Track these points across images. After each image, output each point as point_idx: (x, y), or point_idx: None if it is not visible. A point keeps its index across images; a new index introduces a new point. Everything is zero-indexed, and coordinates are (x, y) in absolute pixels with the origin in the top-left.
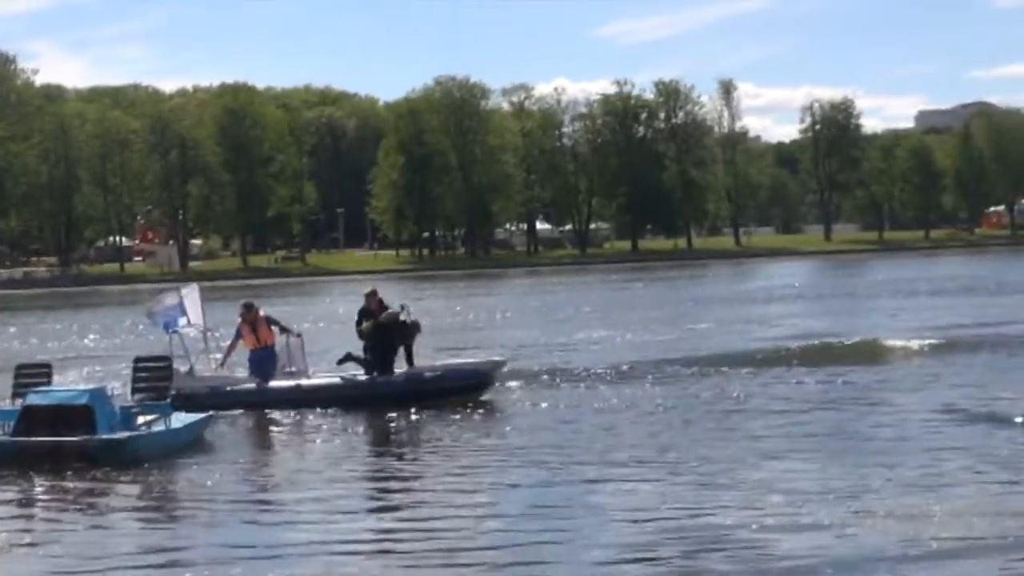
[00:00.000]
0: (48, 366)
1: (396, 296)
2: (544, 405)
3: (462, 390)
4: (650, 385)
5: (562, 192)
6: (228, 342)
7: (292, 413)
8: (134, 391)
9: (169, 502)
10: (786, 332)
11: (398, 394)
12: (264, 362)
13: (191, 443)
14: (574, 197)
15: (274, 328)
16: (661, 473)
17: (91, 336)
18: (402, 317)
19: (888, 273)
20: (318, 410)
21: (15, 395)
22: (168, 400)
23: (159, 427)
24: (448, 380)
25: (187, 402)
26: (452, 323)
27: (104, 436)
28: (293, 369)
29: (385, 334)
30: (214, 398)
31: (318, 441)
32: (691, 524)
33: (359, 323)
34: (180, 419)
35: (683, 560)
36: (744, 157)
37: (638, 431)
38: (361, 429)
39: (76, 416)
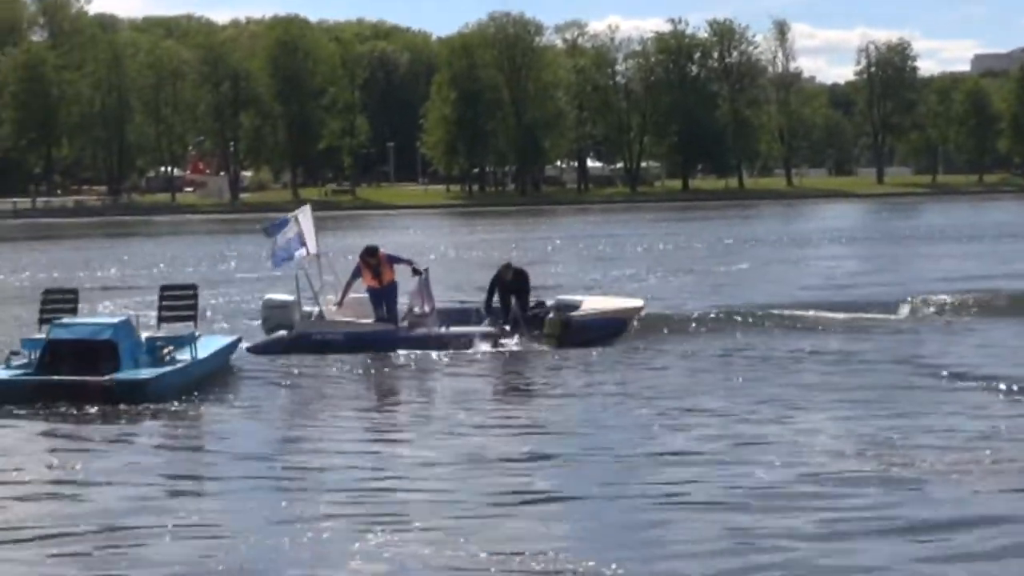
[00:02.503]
0: (75, 292)
1: (441, 230)
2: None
3: (603, 337)
4: (698, 334)
5: (614, 130)
6: (347, 277)
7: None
8: (161, 320)
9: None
10: (835, 282)
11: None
12: (388, 297)
13: (218, 370)
14: (626, 135)
15: (399, 266)
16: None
17: (136, 265)
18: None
19: (942, 218)
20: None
21: (41, 321)
22: (194, 329)
23: (184, 356)
24: (592, 330)
25: (320, 347)
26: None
27: (127, 376)
28: (426, 310)
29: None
30: (347, 344)
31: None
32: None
33: (491, 293)
34: (206, 345)
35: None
36: (798, 98)
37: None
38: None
39: (100, 351)
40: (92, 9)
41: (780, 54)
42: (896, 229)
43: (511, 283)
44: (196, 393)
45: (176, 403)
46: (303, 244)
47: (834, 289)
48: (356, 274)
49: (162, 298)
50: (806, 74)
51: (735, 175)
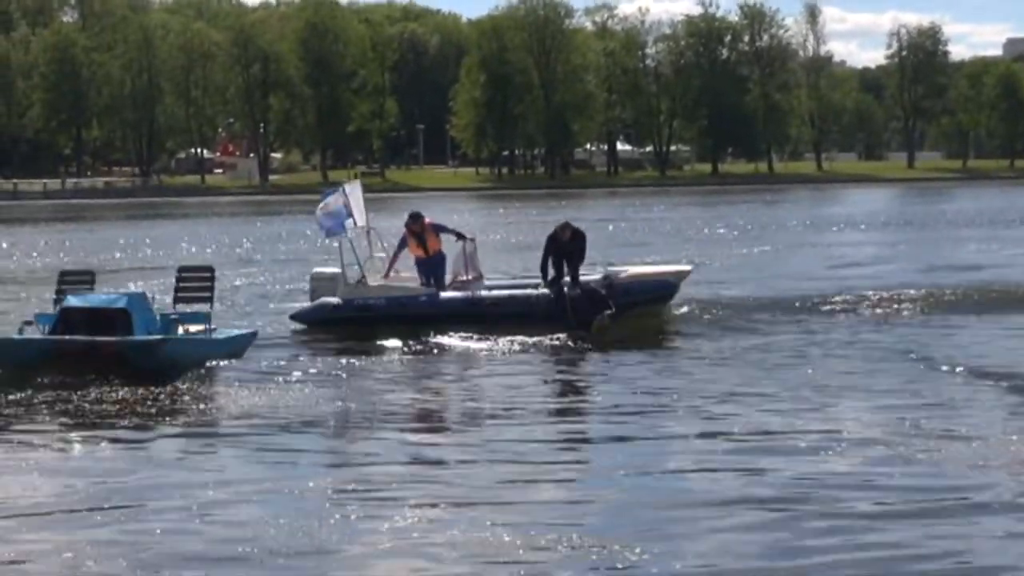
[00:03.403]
0: (91, 273)
1: (471, 213)
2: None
3: (650, 301)
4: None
5: (643, 113)
6: (393, 250)
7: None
8: (176, 300)
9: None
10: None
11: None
12: (435, 268)
13: (231, 356)
14: (655, 118)
15: (445, 235)
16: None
17: (161, 247)
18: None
19: (972, 203)
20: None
21: (57, 301)
22: (209, 310)
23: (199, 335)
24: (636, 293)
25: (362, 313)
26: (521, 242)
27: (139, 338)
28: (468, 277)
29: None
30: (390, 309)
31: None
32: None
33: (547, 253)
34: (222, 332)
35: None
36: (828, 82)
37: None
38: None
39: (114, 319)
40: None
41: (811, 38)
42: (926, 214)
43: (567, 244)
44: (213, 368)
45: (193, 377)
46: (350, 215)
47: (859, 277)
48: (402, 244)
49: (179, 279)
50: (837, 58)
51: (765, 159)
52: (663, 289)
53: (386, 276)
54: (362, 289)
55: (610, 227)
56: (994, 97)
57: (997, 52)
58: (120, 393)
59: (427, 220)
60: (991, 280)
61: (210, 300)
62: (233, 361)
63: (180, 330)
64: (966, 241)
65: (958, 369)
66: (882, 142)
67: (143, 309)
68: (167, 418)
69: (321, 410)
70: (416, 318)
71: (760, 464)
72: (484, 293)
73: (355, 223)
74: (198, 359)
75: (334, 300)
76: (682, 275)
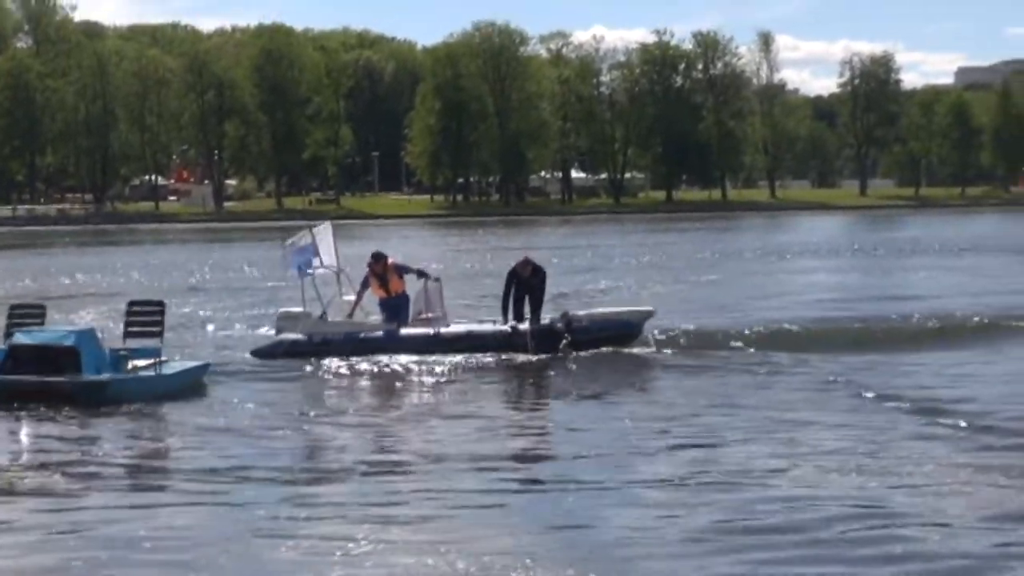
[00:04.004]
0: (42, 307)
1: (426, 240)
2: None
3: (610, 340)
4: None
5: (598, 141)
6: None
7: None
8: (127, 335)
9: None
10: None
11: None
12: (397, 310)
13: (183, 390)
14: (610, 146)
15: (408, 275)
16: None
17: (112, 275)
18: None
19: (923, 231)
20: (453, 358)
21: (7, 335)
22: (160, 345)
23: (148, 372)
24: (594, 331)
25: (322, 348)
26: (472, 269)
27: (87, 377)
28: (430, 315)
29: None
30: (349, 344)
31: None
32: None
33: (508, 288)
34: (173, 366)
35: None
36: (781, 109)
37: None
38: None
39: (62, 357)
40: (77, 17)
41: (764, 66)
42: (877, 242)
43: (529, 279)
44: (161, 404)
45: (140, 409)
46: (316, 254)
47: (806, 306)
48: (365, 285)
49: (129, 313)
50: (790, 86)
51: (719, 186)
52: (623, 328)
53: (350, 316)
54: (323, 325)
55: (554, 259)
56: (946, 126)
57: (949, 81)
58: (67, 430)
59: (390, 260)
60: (935, 310)
61: (160, 335)
62: (184, 396)
63: (130, 366)
64: (916, 269)
65: (898, 403)
66: (835, 170)
67: (92, 346)
68: (111, 458)
69: (271, 447)
70: (375, 351)
71: (709, 496)
72: (442, 328)
73: (321, 263)
74: (147, 395)
75: (293, 336)
76: (645, 315)
